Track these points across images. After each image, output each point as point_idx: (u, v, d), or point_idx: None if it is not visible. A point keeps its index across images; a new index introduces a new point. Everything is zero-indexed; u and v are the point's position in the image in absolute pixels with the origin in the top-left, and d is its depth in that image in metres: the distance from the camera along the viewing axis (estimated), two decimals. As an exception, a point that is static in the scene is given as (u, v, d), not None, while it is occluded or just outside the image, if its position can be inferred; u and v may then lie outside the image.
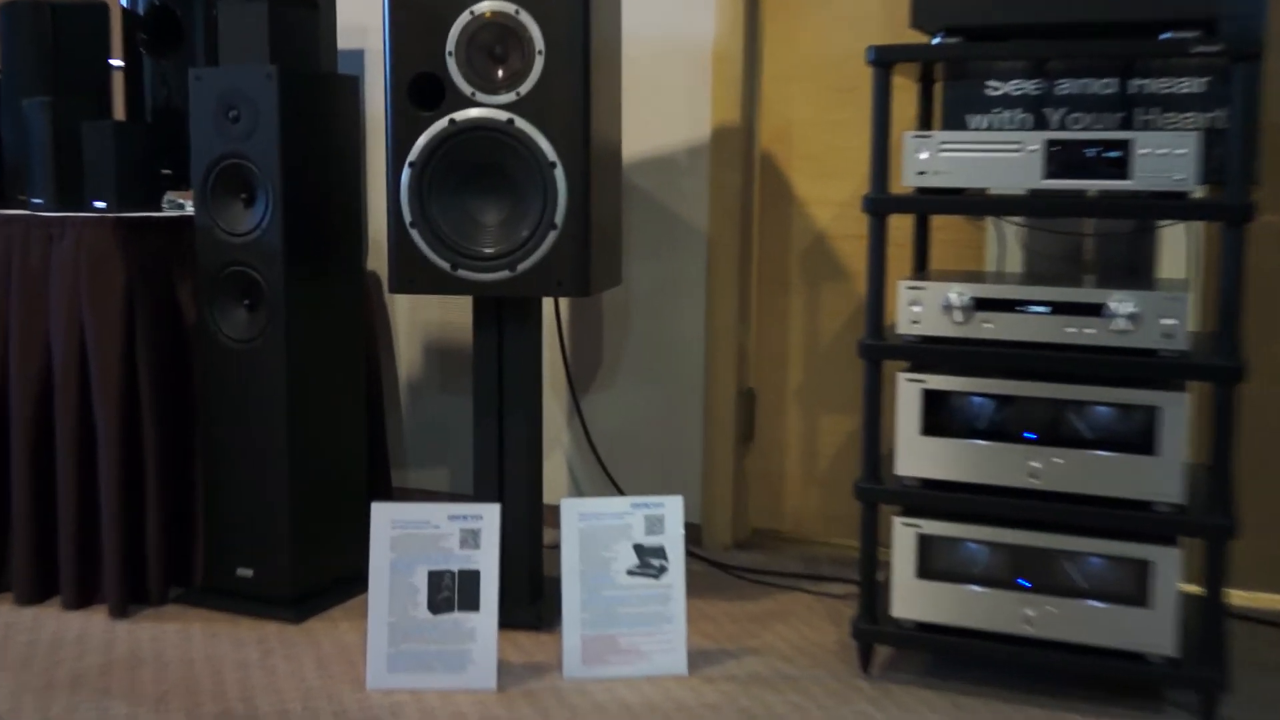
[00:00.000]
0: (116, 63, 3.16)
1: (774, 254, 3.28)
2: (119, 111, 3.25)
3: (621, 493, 3.38)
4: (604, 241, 2.62)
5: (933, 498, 2.36)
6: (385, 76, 2.54)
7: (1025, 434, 2.32)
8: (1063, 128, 2.72)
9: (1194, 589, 2.72)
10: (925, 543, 2.39)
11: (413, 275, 2.57)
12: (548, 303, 3.33)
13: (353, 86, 2.87)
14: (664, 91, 3.23)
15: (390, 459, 3.55)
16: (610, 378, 3.38)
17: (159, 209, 2.98)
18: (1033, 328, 2.29)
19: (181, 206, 3.10)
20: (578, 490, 3.45)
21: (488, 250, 2.53)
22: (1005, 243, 2.84)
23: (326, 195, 2.80)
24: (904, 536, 2.40)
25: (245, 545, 2.81)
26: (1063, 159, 2.27)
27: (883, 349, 2.39)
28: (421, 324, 3.57)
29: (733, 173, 3.18)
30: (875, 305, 2.39)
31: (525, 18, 2.45)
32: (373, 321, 3.34)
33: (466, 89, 2.49)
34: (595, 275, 2.55)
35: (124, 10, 3.08)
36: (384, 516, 2.44)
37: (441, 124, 2.50)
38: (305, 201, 2.73)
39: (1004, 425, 2.33)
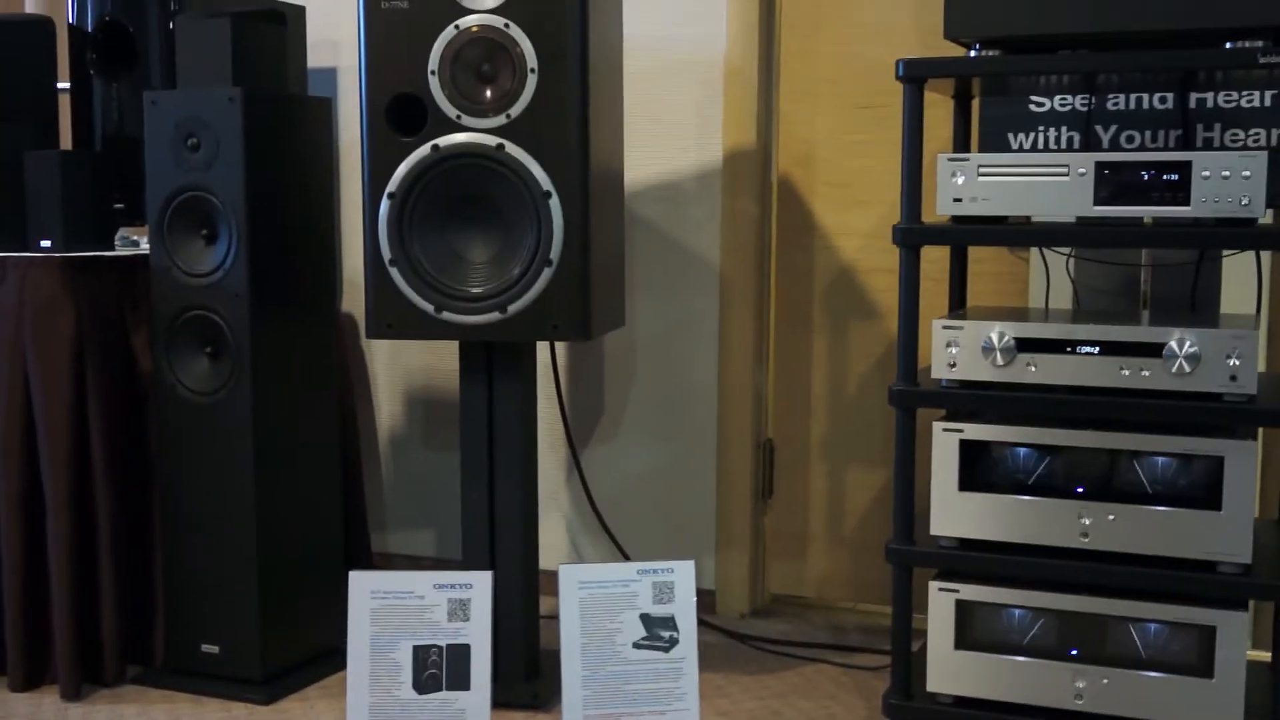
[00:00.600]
0: (63, 85, 3.23)
1: (794, 291, 3.33)
2: (65, 139, 3.31)
3: (627, 557, 3.41)
4: (605, 279, 2.67)
5: (972, 559, 2.40)
6: (361, 98, 2.60)
7: (1075, 488, 2.35)
8: (1115, 148, 2.76)
9: (1260, 656, 2.75)
10: (964, 609, 2.42)
11: (392, 318, 2.61)
12: (543, 348, 3.37)
13: (325, 109, 2.93)
14: (670, 111, 3.29)
15: (369, 521, 3.58)
16: (613, 430, 3.43)
17: (111, 247, 3.04)
18: (1083, 370, 2.33)
19: (136, 244, 3.15)
20: (578, 555, 3.48)
21: (476, 290, 2.58)
22: (1051, 276, 2.88)
23: (297, 230, 2.86)
24: (940, 602, 2.43)
25: (210, 619, 2.85)
26: (1115, 183, 2.31)
27: (916, 395, 2.43)
28: (403, 371, 3.62)
29: (748, 201, 3.23)
30: (908, 347, 2.43)
31: (516, 32, 2.51)
32: (348, 369, 3.39)
33: (451, 111, 2.55)
34: (596, 317, 2.60)
35: (71, 27, 3.14)
36: (363, 586, 2.48)
37: (424, 151, 2.56)
38: (273, 237, 2.79)
39: (1051, 479, 2.37)
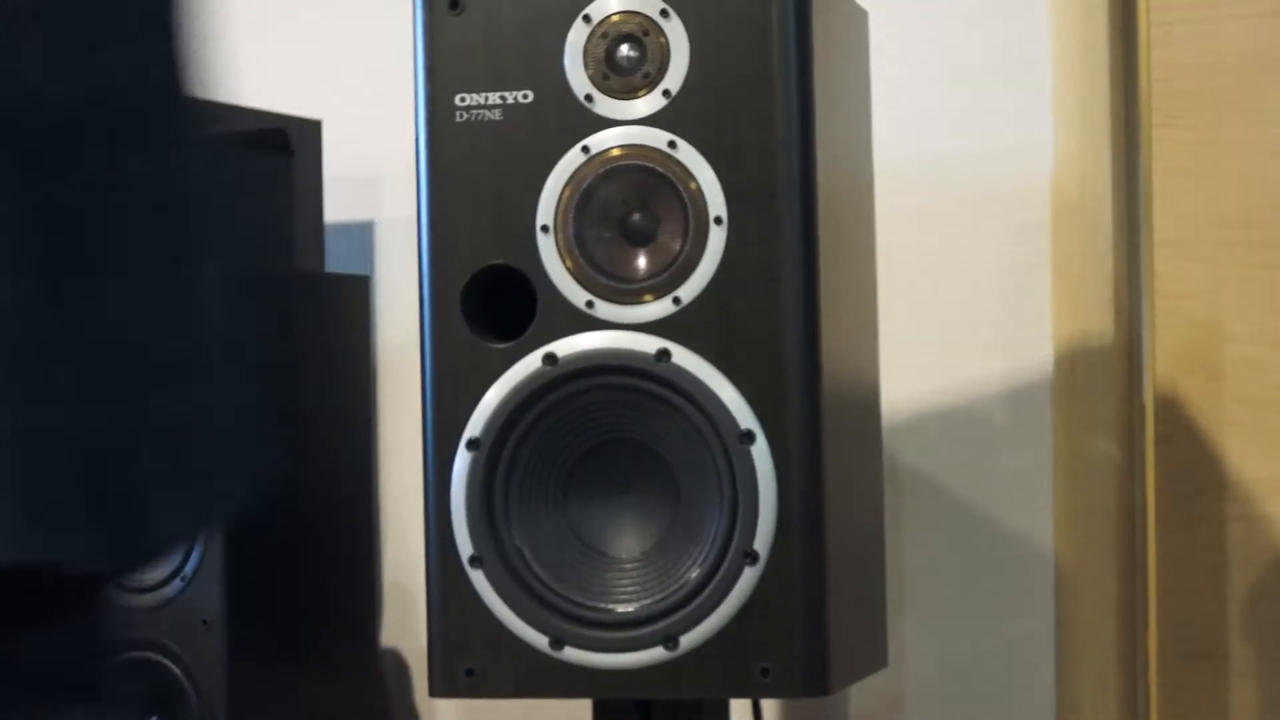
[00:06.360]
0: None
1: (1192, 601, 3.25)
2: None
3: None
4: (851, 587, 2.64)
5: None
6: (421, 275, 2.63)
7: None
8: None
9: None
10: None
11: (475, 660, 2.59)
12: (743, 708, 3.31)
13: (358, 295, 2.97)
14: (955, 279, 3.27)
15: None
16: None
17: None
18: None
19: None
20: None
21: (623, 608, 2.56)
22: None
23: (306, 505, 2.88)
24: None
25: None
26: None
27: None
28: (490, 749, 3.59)
29: (1100, 438, 3.22)
30: None
31: (688, 154, 2.52)
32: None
33: (578, 295, 2.55)
34: (837, 655, 2.55)
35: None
36: None
37: (530, 364, 2.55)
38: (265, 519, 2.78)
39: None
